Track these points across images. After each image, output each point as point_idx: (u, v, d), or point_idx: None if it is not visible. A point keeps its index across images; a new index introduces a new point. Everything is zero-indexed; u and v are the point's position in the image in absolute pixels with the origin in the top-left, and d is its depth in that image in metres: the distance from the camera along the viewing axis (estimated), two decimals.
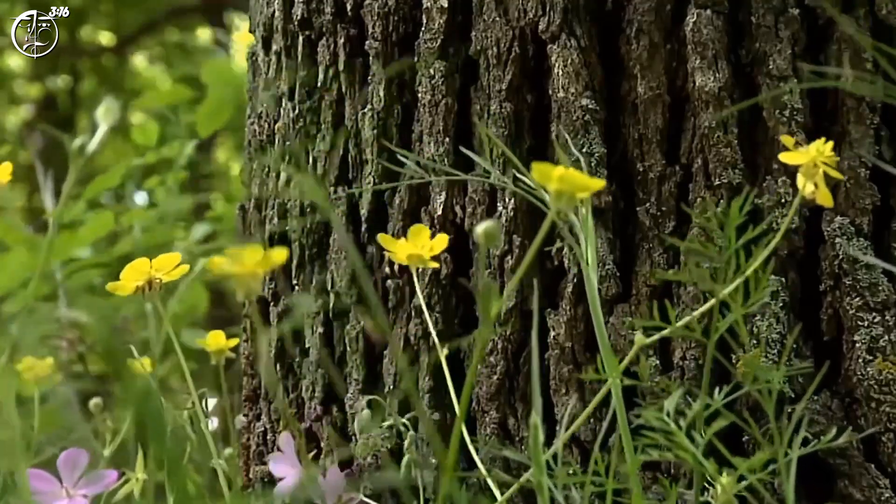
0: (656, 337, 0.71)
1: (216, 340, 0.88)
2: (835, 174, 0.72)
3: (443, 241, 0.83)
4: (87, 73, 4.67)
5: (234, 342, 0.89)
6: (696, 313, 0.72)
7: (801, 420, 0.67)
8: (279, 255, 0.58)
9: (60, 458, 0.76)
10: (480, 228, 0.56)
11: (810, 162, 0.72)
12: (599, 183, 0.57)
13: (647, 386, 0.86)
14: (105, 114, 0.63)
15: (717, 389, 0.72)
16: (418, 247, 0.82)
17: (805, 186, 0.72)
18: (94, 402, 0.89)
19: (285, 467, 0.81)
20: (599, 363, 0.70)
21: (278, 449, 0.83)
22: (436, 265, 0.84)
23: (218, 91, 1.92)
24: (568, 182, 0.56)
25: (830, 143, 0.72)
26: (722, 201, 0.87)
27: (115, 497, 0.81)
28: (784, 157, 0.73)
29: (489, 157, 0.93)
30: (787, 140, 0.73)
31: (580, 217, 0.70)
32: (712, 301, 0.71)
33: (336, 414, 1.02)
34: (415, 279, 0.88)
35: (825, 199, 0.72)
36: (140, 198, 2.03)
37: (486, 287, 0.52)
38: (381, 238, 0.84)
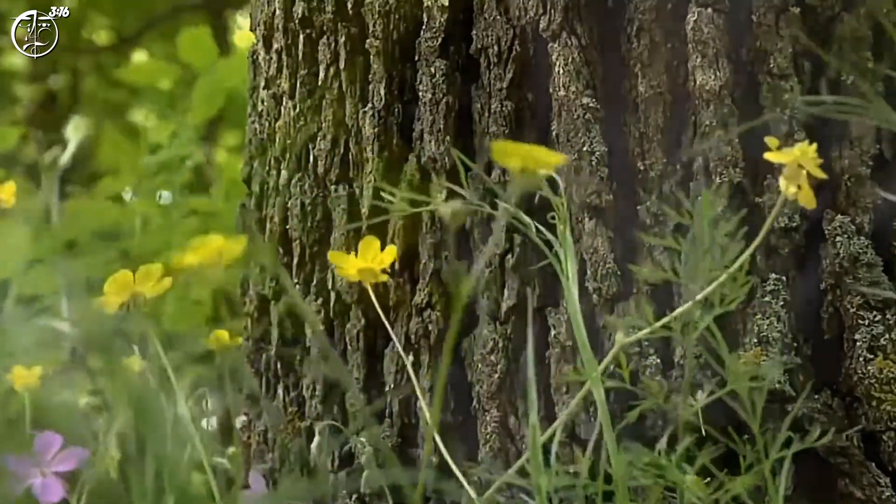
0: (634, 338, 0.71)
1: (220, 338, 0.87)
2: (818, 174, 0.71)
3: (391, 252, 0.81)
4: (88, 72, 4.67)
5: (238, 341, 0.88)
6: (672, 314, 0.72)
7: (785, 420, 0.67)
8: (237, 244, 0.57)
9: (35, 441, 0.79)
10: (447, 208, 0.55)
11: (794, 162, 0.71)
12: (560, 157, 0.54)
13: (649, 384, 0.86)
14: (75, 130, 0.63)
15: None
16: (368, 260, 0.80)
17: (788, 188, 0.71)
18: (87, 401, 0.89)
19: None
20: (578, 363, 0.70)
21: (248, 485, 0.83)
22: (387, 278, 0.82)
23: (206, 69, 1.84)
24: (530, 158, 0.53)
25: (814, 146, 0.71)
26: (722, 200, 0.87)
27: (91, 473, 0.83)
28: (769, 157, 0.72)
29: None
30: (771, 141, 0.72)
31: (559, 233, 0.69)
32: (686, 307, 0.71)
33: (336, 413, 1.02)
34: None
35: (808, 200, 0.72)
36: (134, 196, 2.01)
37: (454, 267, 0.52)
38: (331, 255, 0.83)
